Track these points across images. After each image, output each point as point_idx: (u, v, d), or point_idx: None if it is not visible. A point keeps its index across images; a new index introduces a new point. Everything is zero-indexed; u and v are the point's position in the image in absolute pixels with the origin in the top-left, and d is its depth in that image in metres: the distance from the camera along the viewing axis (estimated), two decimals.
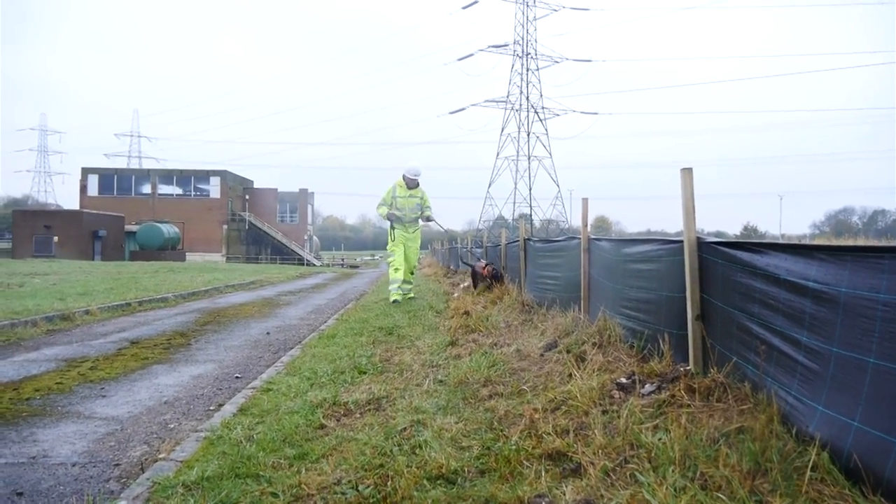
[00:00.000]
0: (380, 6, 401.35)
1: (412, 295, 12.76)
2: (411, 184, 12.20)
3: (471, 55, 71.36)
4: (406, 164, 12.38)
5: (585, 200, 6.41)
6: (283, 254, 64.98)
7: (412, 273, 12.84)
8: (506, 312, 8.34)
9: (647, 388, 3.68)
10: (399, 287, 12.06)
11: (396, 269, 12.19)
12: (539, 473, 2.82)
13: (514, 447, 3.15)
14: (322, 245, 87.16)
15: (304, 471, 3.05)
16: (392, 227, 12.46)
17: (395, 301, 11.67)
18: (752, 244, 3.33)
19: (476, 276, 12.04)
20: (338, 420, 3.99)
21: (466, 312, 8.10)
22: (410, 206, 12.34)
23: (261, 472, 3.07)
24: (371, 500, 2.64)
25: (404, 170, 12.29)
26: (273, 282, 21.14)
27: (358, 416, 4.06)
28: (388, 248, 12.62)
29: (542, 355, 5.29)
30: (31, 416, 4.45)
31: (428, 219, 12.59)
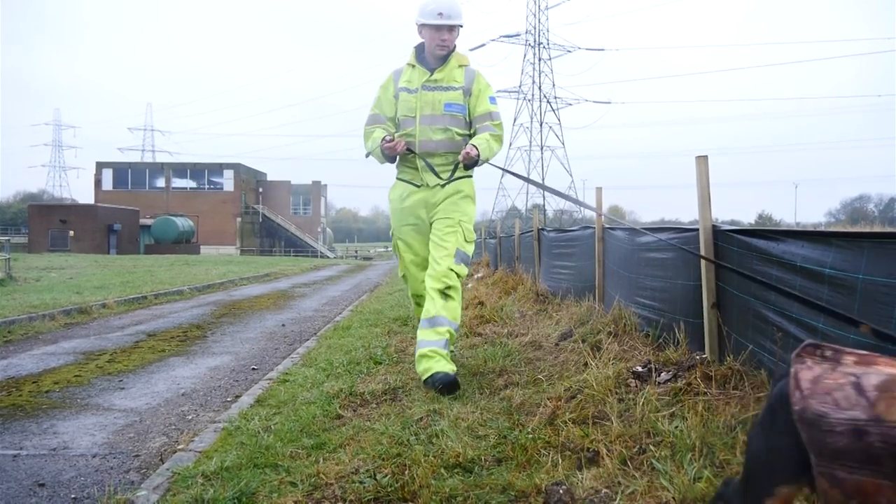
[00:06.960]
0: None
1: (451, 368, 4.28)
2: (437, 49, 4.55)
3: (483, 45, 71.03)
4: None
5: (599, 190, 6.38)
6: (296, 246, 65.16)
7: (455, 322, 4.48)
8: (520, 303, 8.35)
9: (664, 376, 3.68)
10: (429, 339, 4.33)
11: (417, 299, 5.06)
12: (556, 462, 2.83)
13: (530, 436, 3.16)
14: (335, 237, 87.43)
15: (321, 460, 3.07)
16: (397, 178, 4.83)
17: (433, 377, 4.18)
18: (768, 231, 3.32)
19: None
20: (354, 410, 4.01)
21: (481, 303, 8.10)
22: (434, 112, 4.54)
23: (279, 462, 3.09)
24: (389, 489, 2.65)
25: (418, 11, 4.54)
26: (287, 274, 21.26)
27: (374, 406, 4.07)
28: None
29: (557, 345, 5.30)
30: (50, 408, 4.50)
31: (475, 158, 4.31)
